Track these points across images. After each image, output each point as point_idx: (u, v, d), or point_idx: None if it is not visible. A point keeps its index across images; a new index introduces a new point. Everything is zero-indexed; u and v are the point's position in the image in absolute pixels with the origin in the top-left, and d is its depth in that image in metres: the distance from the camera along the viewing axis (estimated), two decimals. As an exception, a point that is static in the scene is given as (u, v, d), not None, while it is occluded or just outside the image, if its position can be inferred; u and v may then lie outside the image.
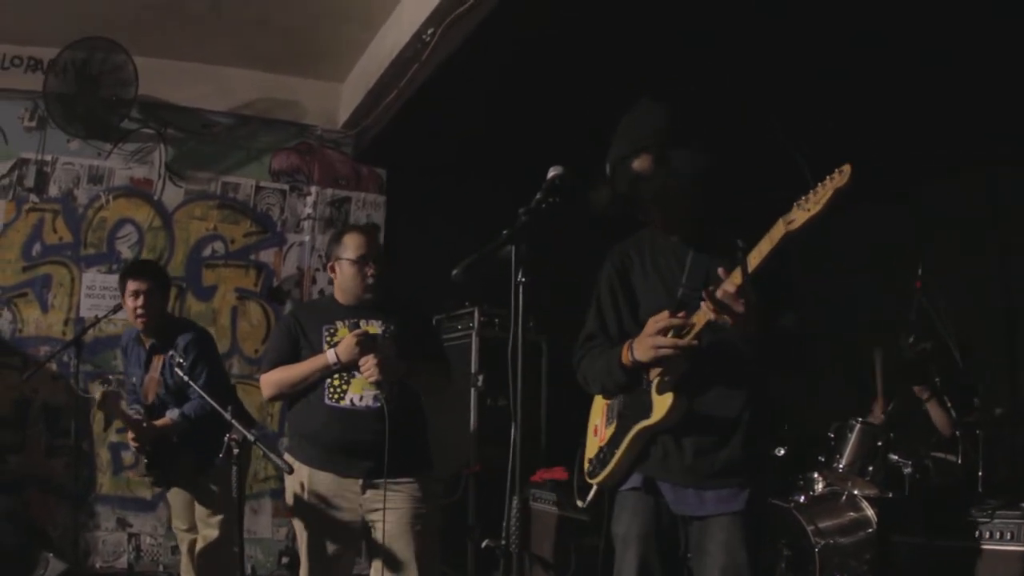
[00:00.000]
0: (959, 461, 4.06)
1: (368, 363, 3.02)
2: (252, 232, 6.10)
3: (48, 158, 5.70)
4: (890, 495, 4.11)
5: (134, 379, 3.99)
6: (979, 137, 4.81)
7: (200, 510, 3.93)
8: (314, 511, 3.14)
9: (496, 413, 5.30)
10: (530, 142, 5.38)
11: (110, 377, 3.86)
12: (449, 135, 5.70)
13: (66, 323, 5.60)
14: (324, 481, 3.13)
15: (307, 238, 6.19)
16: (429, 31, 4.53)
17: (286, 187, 6.21)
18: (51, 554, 4.24)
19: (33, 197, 5.67)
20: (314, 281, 6.13)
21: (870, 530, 4.09)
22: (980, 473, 3.99)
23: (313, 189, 6.24)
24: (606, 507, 2.50)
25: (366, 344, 3.05)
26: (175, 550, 5.50)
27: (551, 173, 2.19)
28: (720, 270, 2.10)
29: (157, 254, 5.83)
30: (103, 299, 5.59)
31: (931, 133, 4.81)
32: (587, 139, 5.01)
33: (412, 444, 3.13)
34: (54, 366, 5.36)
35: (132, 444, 3.77)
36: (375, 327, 3.17)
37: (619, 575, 2.37)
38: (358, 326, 3.16)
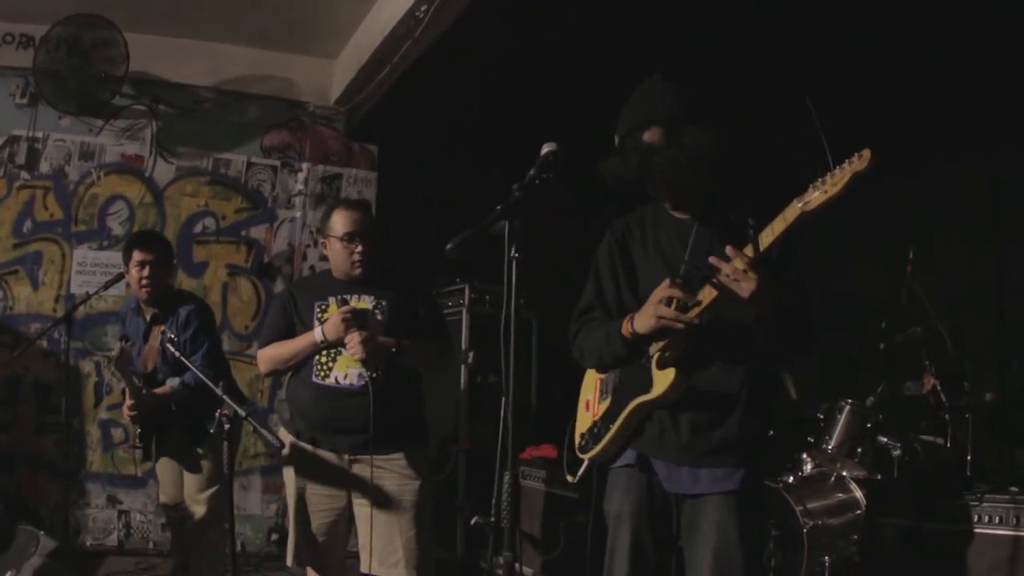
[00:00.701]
0: (948, 444, 4.08)
1: (353, 340, 3.00)
2: (243, 208, 6.08)
3: (39, 135, 5.67)
4: (879, 477, 4.12)
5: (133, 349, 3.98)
6: (974, 128, 4.81)
7: (189, 486, 3.92)
8: (303, 486, 3.16)
9: (486, 390, 5.30)
10: (521, 120, 5.35)
11: (127, 335, 3.85)
12: (441, 112, 5.67)
13: (57, 300, 5.59)
14: (313, 456, 3.14)
15: (298, 214, 6.17)
16: (423, 8, 4.50)
17: (277, 163, 6.18)
18: (41, 532, 4.23)
19: (24, 174, 5.64)
20: (305, 257, 6.12)
21: (858, 511, 4.10)
22: (969, 457, 4.01)
23: (304, 165, 6.21)
24: (594, 484, 2.50)
25: (353, 321, 3.03)
26: (164, 527, 5.52)
27: (544, 149, 2.18)
28: (728, 248, 2.07)
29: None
30: (94, 276, 5.57)
31: (926, 124, 4.81)
32: (579, 117, 5.03)
33: (401, 421, 3.11)
34: (45, 343, 5.36)
35: (127, 413, 3.76)
36: (366, 303, 3.15)
37: (612, 553, 2.35)
38: (347, 302, 3.14)
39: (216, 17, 5.56)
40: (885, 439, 4.19)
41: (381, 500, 3.05)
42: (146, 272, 3.83)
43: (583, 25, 4.33)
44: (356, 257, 3.14)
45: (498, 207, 2.06)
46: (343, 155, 6.31)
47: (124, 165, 5.83)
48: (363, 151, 6.36)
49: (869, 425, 4.17)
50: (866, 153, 1.83)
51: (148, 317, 3.93)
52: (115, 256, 5.66)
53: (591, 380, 2.59)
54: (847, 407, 4.20)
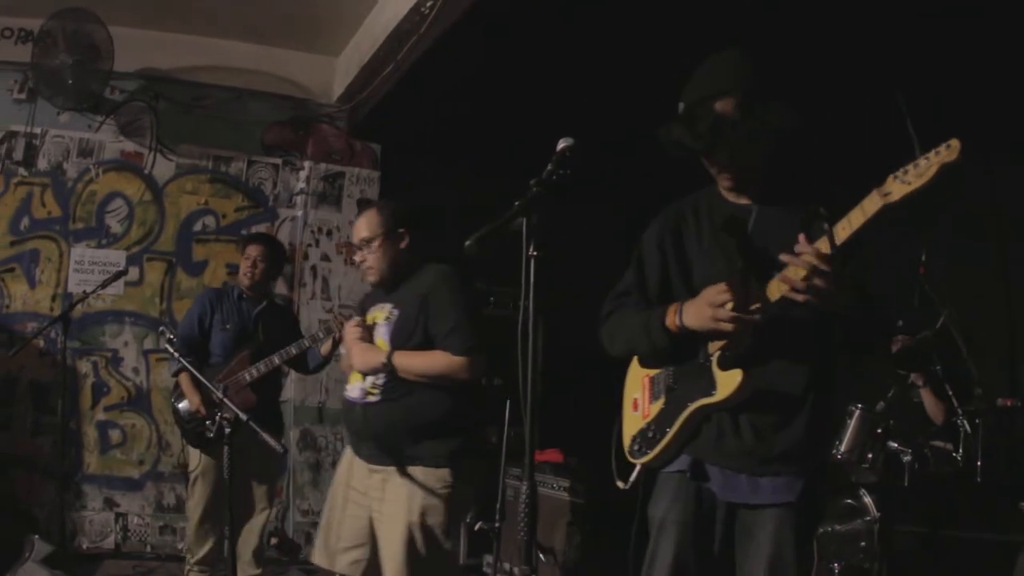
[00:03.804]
0: (958, 452, 4.02)
1: (347, 353, 3.01)
2: (244, 207, 6.01)
3: (37, 131, 5.59)
4: (889, 484, 4.08)
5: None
6: (979, 127, 4.76)
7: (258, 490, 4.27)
8: (338, 492, 3.11)
9: (490, 392, 5.22)
10: (527, 119, 5.32)
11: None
12: (445, 110, 5.61)
13: (54, 299, 5.51)
14: (352, 463, 3.09)
15: (299, 213, 6.09)
16: (428, 3, 4.43)
17: (279, 161, 6.12)
18: (36, 536, 4.16)
19: (22, 170, 5.56)
20: (306, 257, 6.03)
21: (868, 518, 4.07)
22: (979, 463, 3.96)
23: (306, 164, 6.14)
24: (640, 488, 2.40)
25: (356, 333, 3.02)
26: (162, 530, 5.47)
27: (561, 145, 2.09)
28: (801, 238, 1.93)
29: (147, 228, 5.76)
30: (92, 274, 5.51)
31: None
32: (587, 115, 4.98)
33: (407, 435, 2.92)
34: (41, 342, 5.30)
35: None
36: (382, 313, 3.06)
37: (651, 560, 2.25)
38: (364, 313, 3.11)
39: (217, 13, 5.50)
40: (895, 445, 4.15)
41: (387, 516, 2.92)
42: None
43: (593, 22, 4.27)
44: (360, 266, 3.16)
45: (516, 203, 1.97)
46: (345, 153, 6.23)
47: (123, 162, 5.76)
48: (365, 149, 6.29)
49: (879, 430, 4.12)
50: (955, 143, 1.71)
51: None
52: (113, 254, 5.62)
53: (637, 377, 2.46)
54: (857, 412, 4.16)
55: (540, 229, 1.98)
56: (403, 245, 3.07)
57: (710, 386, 2.16)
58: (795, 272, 1.93)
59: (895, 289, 4.23)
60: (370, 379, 2.96)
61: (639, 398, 2.42)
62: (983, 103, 4.53)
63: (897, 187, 1.79)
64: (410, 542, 2.83)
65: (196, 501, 4.23)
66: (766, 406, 2.14)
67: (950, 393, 4.19)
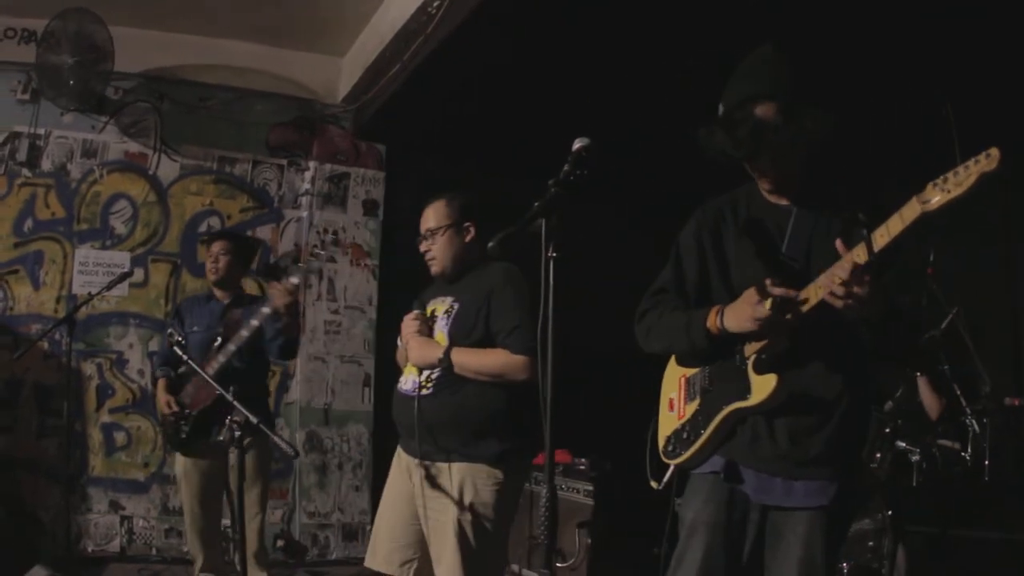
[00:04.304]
0: (967, 451, 4.03)
1: (405, 346, 2.97)
2: (249, 207, 5.98)
3: (41, 131, 5.56)
4: (897, 484, 4.07)
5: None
6: (988, 124, 4.76)
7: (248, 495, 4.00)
8: (389, 492, 3.08)
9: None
10: (534, 119, 5.31)
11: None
12: (451, 111, 5.59)
13: (58, 300, 5.48)
14: (401, 461, 3.07)
15: (305, 214, 6.07)
16: (435, 3, 4.41)
17: (284, 162, 6.09)
18: (45, 541, 4.15)
19: (25, 171, 5.53)
20: (312, 258, 6.01)
21: (878, 517, 4.06)
22: (986, 461, 3.97)
23: (311, 164, 6.12)
24: (673, 487, 2.39)
25: (414, 326, 2.98)
26: (168, 533, 5.45)
27: (577, 145, 2.07)
28: (838, 242, 1.94)
29: (152, 229, 5.73)
30: (96, 276, 5.48)
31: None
32: (592, 115, 4.97)
33: (458, 430, 2.86)
34: (46, 345, 5.27)
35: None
36: (442, 305, 3.02)
37: (680, 560, 2.25)
38: (425, 305, 3.06)
39: (221, 13, 5.46)
40: (903, 444, 4.15)
41: (434, 513, 2.88)
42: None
43: (600, 21, 4.26)
44: (425, 257, 3.11)
45: (536, 203, 1.96)
46: (350, 154, 6.21)
47: (127, 163, 5.73)
48: (371, 150, 6.27)
49: (887, 430, 4.12)
50: (994, 152, 1.71)
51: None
52: (118, 256, 5.60)
53: (674, 377, 2.45)
54: (866, 412, 4.15)
55: (560, 230, 1.98)
56: (468, 239, 3.04)
57: (745, 390, 2.16)
58: (832, 278, 1.92)
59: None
60: (425, 373, 2.91)
61: (675, 398, 2.42)
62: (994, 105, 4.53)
63: (937, 195, 1.79)
64: (462, 540, 2.79)
65: (184, 507, 4.21)
66: (801, 410, 2.14)
67: (958, 393, 4.19)
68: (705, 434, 2.24)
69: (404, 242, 5.87)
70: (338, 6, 5.37)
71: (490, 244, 1.97)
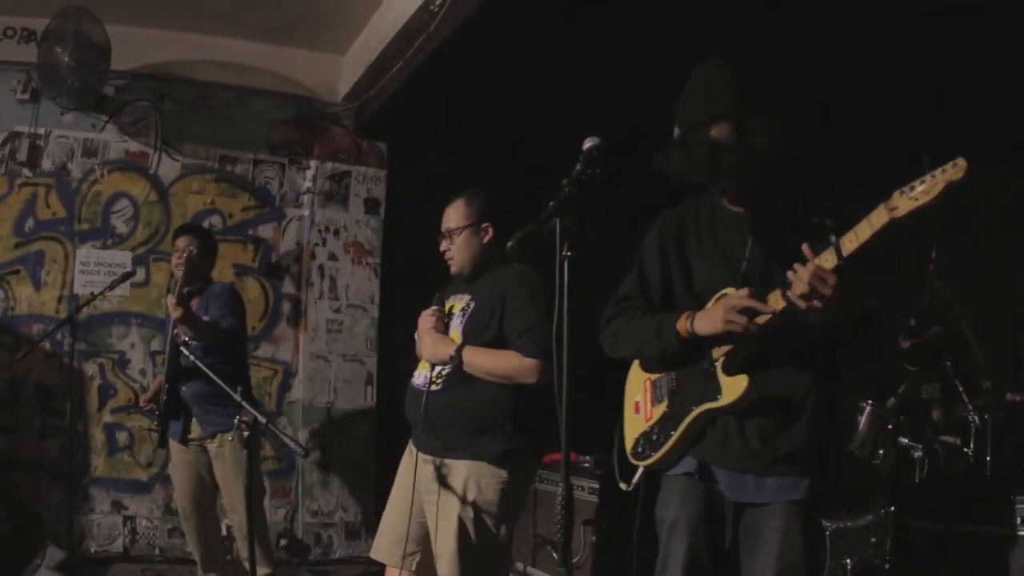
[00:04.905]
0: (969, 447, 4.04)
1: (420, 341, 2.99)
2: (250, 206, 5.97)
3: (41, 131, 5.55)
4: (900, 480, 4.09)
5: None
6: (987, 126, 4.78)
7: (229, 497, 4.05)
8: (397, 486, 3.09)
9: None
10: (536, 117, 5.31)
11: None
12: (453, 109, 5.59)
13: (60, 300, 5.47)
14: (410, 456, 3.08)
15: (306, 212, 6.06)
16: (437, 1, 4.41)
17: (285, 160, 6.08)
18: (48, 542, 4.15)
19: (26, 171, 5.51)
20: (313, 256, 6.00)
21: (881, 513, 4.07)
22: (988, 457, 3.98)
23: (313, 163, 6.11)
24: (641, 490, 2.41)
25: (431, 322, 3.00)
26: (171, 533, 5.44)
27: (587, 144, 2.09)
28: (805, 247, 1.99)
29: (153, 229, 5.72)
30: (98, 275, 5.47)
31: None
32: (595, 115, 4.97)
33: (465, 427, 2.86)
34: (47, 345, 5.26)
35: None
36: (460, 303, 3.03)
37: (664, 563, 2.28)
38: (443, 301, 3.06)
39: (222, 11, 5.46)
40: (906, 440, 4.16)
41: (434, 509, 2.90)
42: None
43: (602, 20, 4.26)
44: (445, 255, 3.11)
45: (551, 203, 1.97)
46: (352, 152, 6.20)
47: (128, 162, 5.71)
48: (372, 148, 6.26)
49: (890, 427, 4.13)
50: (961, 162, 1.76)
51: None
52: (119, 255, 5.59)
53: (639, 380, 2.50)
54: (868, 408, 4.16)
55: (575, 230, 1.99)
56: (487, 239, 3.04)
57: (716, 391, 2.21)
58: (800, 287, 1.98)
59: (904, 286, 4.26)
60: (436, 368, 2.93)
61: (640, 401, 2.47)
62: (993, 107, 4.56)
63: (904, 202, 1.84)
64: (462, 537, 2.80)
65: (177, 505, 4.22)
66: (770, 409, 2.20)
67: (961, 389, 4.20)
68: (675, 435, 2.29)
69: (406, 240, 5.88)
70: (339, 4, 5.37)
71: (508, 244, 1.98)
